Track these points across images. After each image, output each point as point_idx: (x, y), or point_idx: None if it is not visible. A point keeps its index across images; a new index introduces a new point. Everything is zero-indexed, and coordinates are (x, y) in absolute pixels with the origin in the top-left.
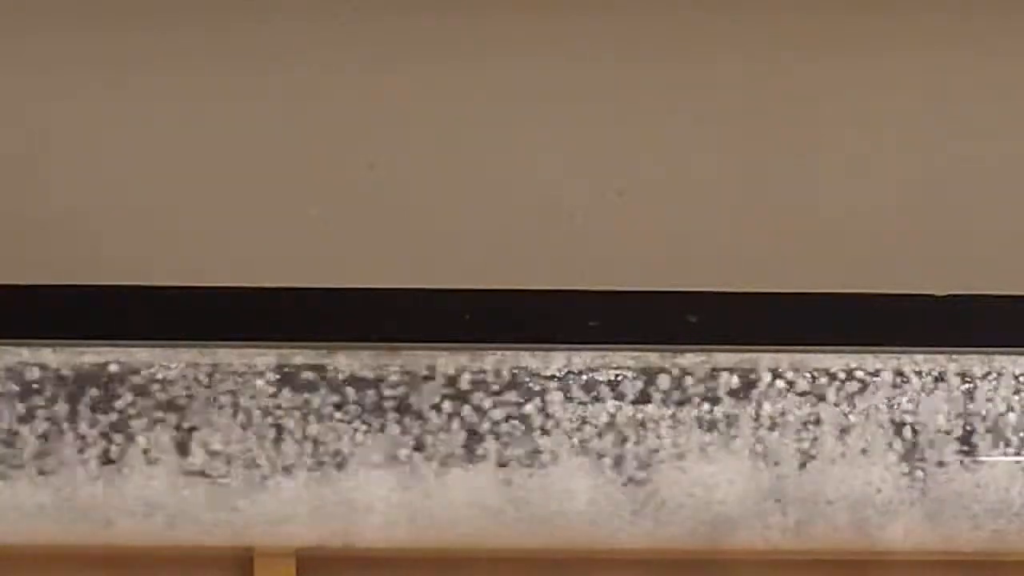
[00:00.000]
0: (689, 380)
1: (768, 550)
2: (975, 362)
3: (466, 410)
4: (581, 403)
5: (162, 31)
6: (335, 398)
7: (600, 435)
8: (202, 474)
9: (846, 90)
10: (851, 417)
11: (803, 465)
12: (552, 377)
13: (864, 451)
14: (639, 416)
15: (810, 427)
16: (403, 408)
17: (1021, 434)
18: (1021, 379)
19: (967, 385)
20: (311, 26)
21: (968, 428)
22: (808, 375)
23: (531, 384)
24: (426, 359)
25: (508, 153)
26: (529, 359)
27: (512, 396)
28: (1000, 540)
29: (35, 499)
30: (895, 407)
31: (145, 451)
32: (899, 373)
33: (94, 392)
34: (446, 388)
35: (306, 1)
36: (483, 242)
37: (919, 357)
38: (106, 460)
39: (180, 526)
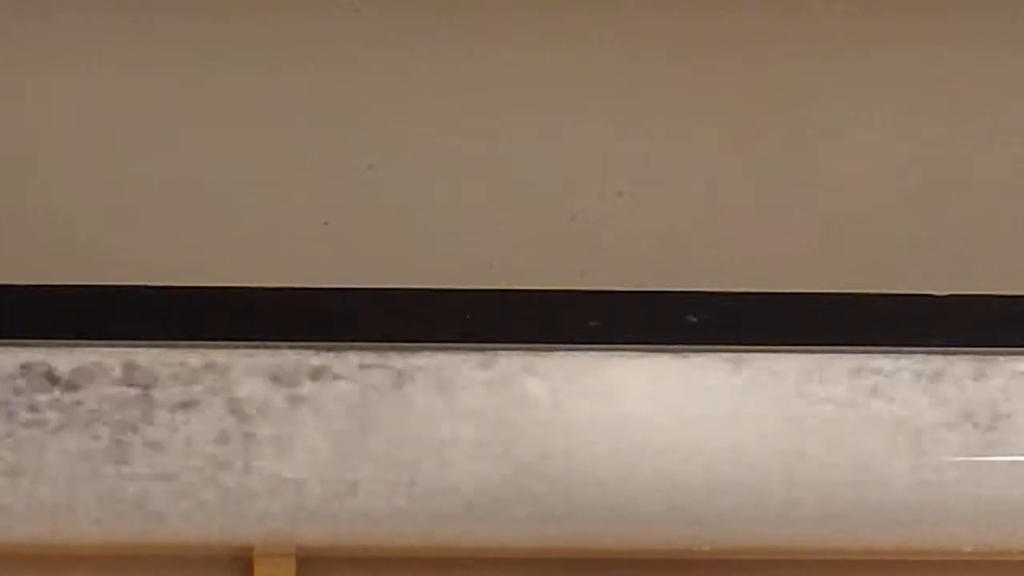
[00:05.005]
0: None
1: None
2: (975, 362)
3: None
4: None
5: (162, 33)
6: (334, 396)
7: None
8: (201, 473)
9: (846, 90)
10: (852, 415)
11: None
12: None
13: (865, 449)
14: None
15: (815, 425)
16: (401, 405)
17: (1019, 434)
18: (1020, 379)
19: (967, 384)
20: (311, 26)
21: (967, 427)
22: (807, 375)
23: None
24: (427, 358)
25: (508, 154)
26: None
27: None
28: (996, 539)
29: (38, 498)
30: (895, 406)
31: (144, 450)
32: (899, 372)
33: (92, 391)
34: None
35: (307, 2)
36: (483, 242)
37: (919, 357)
38: (105, 460)
39: (180, 526)
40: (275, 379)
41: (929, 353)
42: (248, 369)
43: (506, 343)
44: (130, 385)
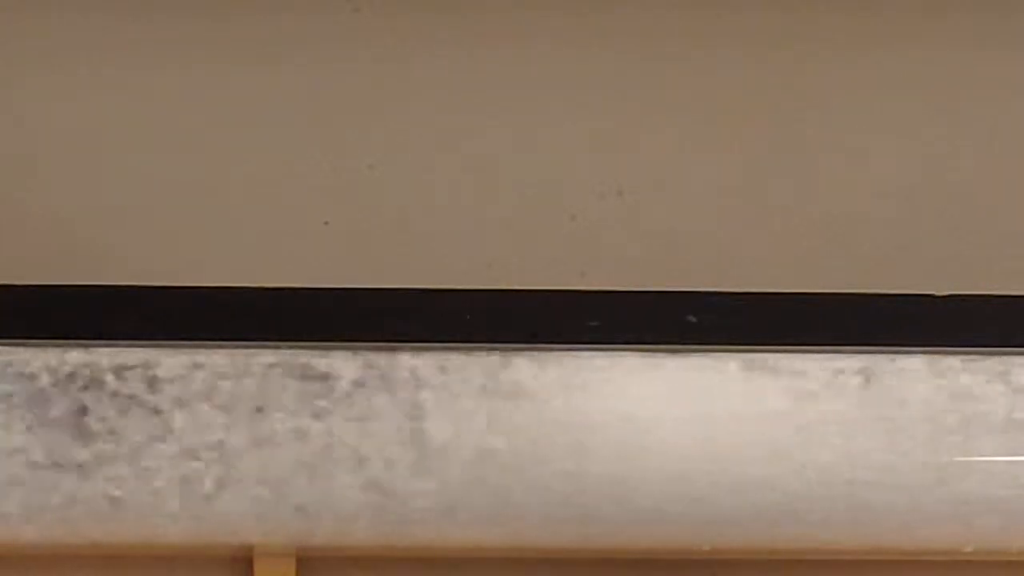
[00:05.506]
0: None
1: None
2: (975, 362)
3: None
4: None
5: (162, 33)
6: (333, 396)
7: None
8: (201, 473)
9: (846, 90)
10: (852, 415)
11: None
12: None
13: (865, 449)
14: None
15: (815, 426)
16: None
17: (1020, 433)
18: (1020, 379)
19: (967, 384)
20: (311, 26)
21: (968, 427)
22: (807, 375)
23: None
24: (426, 358)
25: (508, 154)
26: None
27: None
28: (996, 539)
29: (38, 499)
30: (895, 405)
31: (144, 450)
32: (899, 372)
33: (93, 391)
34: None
35: (307, 2)
36: (483, 242)
37: (919, 357)
38: (105, 460)
39: (180, 526)
40: (275, 379)
41: (929, 353)
42: (248, 369)
43: (506, 343)
44: (129, 385)
